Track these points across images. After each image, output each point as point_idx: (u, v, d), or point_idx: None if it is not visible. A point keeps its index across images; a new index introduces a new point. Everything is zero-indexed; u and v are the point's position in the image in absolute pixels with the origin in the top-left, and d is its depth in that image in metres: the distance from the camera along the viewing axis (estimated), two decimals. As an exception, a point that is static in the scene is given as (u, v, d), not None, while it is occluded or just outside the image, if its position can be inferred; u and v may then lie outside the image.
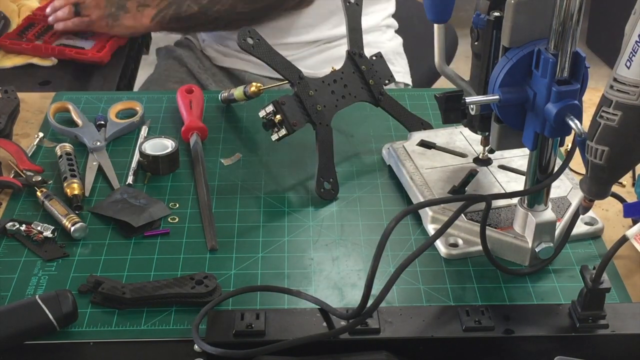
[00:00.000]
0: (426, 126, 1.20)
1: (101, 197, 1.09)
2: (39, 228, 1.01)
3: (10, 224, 1.01)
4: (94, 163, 1.15)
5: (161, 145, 1.14)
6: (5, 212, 1.06)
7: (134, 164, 1.14)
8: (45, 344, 0.86)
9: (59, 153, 1.14)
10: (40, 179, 1.09)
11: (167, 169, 1.13)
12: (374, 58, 1.20)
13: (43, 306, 0.86)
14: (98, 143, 1.17)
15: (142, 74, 1.84)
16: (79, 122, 1.22)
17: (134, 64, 1.84)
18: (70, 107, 1.25)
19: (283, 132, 1.08)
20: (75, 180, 1.08)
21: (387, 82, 1.20)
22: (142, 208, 1.04)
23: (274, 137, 1.09)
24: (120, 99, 1.30)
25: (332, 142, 1.11)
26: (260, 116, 1.09)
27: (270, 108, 1.08)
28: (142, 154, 1.13)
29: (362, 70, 1.17)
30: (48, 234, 1.00)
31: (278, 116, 1.08)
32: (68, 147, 1.15)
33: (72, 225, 1.00)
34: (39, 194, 1.06)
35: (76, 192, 1.07)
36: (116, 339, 0.87)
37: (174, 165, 1.14)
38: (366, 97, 1.18)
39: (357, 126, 1.24)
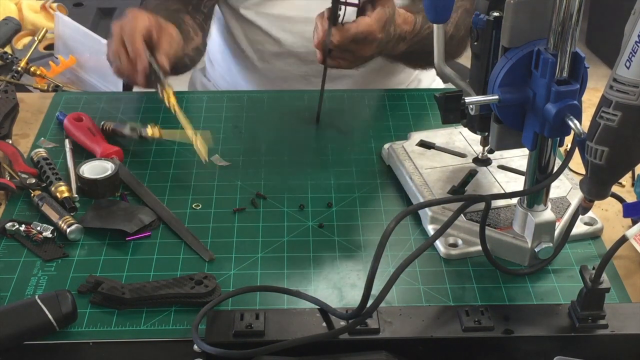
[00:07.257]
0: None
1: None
2: (38, 228, 1.01)
3: (10, 224, 1.01)
4: None
5: (101, 168, 1.08)
6: (4, 212, 1.06)
7: (73, 186, 1.09)
8: (45, 344, 0.86)
9: (35, 159, 1.13)
10: (34, 181, 1.08)
11: (108, 193, 1.07)
12: None
13: (42, 306, 0.86)
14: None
15: (142, 74, 1.84)
16: None
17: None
18: None
19: None
20: (61, 183, 1.07)
21: None
22: (132, 214, 1.03)
23: None
24: (120, 99, 1.30)
25: None
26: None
27: None
28: (79, 177, 1.07)
29: None
30: (47, 234, 1.00)
31: None
32: (42, 152, 1.14)
33: (68, 227, 1.00)
34: (33, 196, 1.06)
35: (66, 194, 1.06)
36: (115, 339, 0.87)
37: (115, 188, 1.08)
38: None
39: (357, 126, 1.24)
